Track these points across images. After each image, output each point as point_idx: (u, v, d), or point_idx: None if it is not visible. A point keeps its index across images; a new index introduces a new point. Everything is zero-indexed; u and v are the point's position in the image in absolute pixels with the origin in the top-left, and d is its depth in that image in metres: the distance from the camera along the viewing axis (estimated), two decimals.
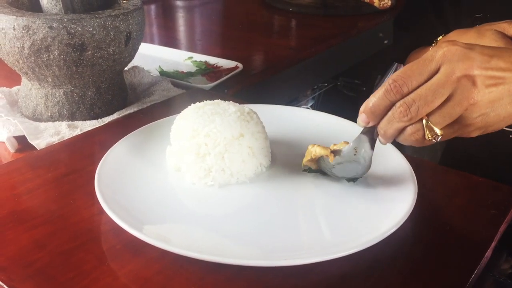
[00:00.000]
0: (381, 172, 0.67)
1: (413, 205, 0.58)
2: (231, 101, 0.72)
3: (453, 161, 1.09)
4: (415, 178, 0.64)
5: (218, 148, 0.65)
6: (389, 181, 0.65)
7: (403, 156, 0.69)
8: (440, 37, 0.87)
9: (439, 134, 0.55)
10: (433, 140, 0.55)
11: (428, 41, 0.93)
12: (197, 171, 0.66)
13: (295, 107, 0.88)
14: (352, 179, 0.65)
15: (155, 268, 0.53)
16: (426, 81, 0.53)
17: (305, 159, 0.67)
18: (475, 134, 0.57)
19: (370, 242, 0.53)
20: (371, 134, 0.60)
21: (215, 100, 0.72)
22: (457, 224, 0.62)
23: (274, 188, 0.66)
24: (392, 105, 0.55)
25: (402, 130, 0.56)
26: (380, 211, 0.60)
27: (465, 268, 0.54)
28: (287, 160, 0.72)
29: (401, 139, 0.57)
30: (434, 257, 0.55)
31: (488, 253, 0.57)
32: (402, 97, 0.54)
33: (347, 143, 0.63)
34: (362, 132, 0.61)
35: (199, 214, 0.62)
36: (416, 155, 0.74)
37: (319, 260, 0.51)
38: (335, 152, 0.64)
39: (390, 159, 0.69)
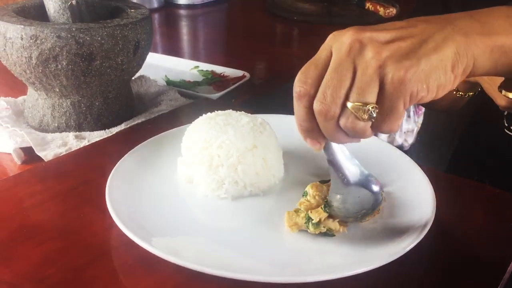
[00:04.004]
0: (399, 187, 0.65)
1: (432, 220, 0.57)
2: (242, 112, 0.71)
3: (460, 167, 1.07)
4: (434, 195, 0.61)
5: (231, 159, 0.64)
6: (407, 196, 0.63)
7: (421, 171, 0.67)
8: None
9: (370, 109, 0.46)
10: (372, 119, 0.47)
11: None
12: (209, 183, 0.64)
13: None
14: (370, 211, 0.58)
15: (169, 285, 0.51)
16: (325, 70, 0.48)
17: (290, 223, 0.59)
18: (422, 93, 0.46)
19: (387, 258, 0.51)
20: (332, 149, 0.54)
21: (226, 111, 0.71)
22: (475, 239, 0.60)
23: (288, 200, 0.64)
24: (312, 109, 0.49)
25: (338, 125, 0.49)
26: (398, 227, 0.58)
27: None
28: (300, 171, 0.71)
29: (349, 135, 0.50)
30: (452, 276, 0.54)
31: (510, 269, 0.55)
32: (313, 97, 0.48)
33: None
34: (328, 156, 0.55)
35: (213, 228, 0.60)
36: (425, 164, 0.71)
37: (335, 277, 0.50)
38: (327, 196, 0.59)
39: (408, 174, 0.68)
